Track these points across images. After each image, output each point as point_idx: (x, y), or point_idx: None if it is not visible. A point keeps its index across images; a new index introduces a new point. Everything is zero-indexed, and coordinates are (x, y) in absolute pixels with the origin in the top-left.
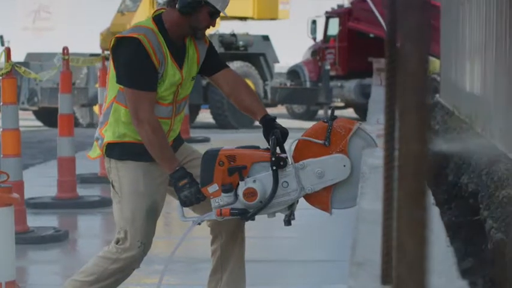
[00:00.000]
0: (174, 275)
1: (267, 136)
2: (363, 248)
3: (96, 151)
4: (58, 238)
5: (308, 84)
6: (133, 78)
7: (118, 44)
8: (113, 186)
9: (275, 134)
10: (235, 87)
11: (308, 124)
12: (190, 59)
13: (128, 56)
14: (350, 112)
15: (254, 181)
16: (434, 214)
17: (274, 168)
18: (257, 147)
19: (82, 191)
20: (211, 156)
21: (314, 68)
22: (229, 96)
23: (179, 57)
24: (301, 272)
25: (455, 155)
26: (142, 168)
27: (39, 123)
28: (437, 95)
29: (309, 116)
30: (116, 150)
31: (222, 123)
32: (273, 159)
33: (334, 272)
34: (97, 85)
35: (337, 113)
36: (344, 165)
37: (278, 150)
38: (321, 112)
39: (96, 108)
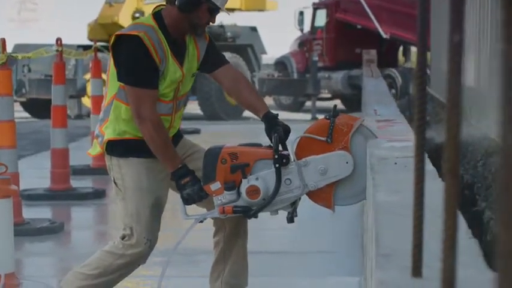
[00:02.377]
0: (173, 267)
1: (269, 133)
2: (387, 240)
3: (96, 148)
4: (53, 230)
5: (295, 76)
6: (134, 76)
7: (118, 42)
8: (115, 183)
9: (277, 131)
10: (236, 83)
11: (295, 115)
12: (191, 55)
13: (129, 54)
14: (337, 103)
15: (257, 179)
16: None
17: (277, 165)
18: (259, 145)
19: (74, 183)
20: (213, 154)
21: (301, 59)
22: (230, 93)
23: (180, 54)
24: (303, 263)
25: (440, 146)
26: (144, 165)
27: (26, 115)
28: None
29: (296, 107)
30: (117, 148)
31: (209, 114)
32: (276, 156)
33: (335, 263)
34: (85, 76)
35: (323, 104)
36: (347, 162)
37: (280, 147)
38: (308, 103)
39: (84, 100)
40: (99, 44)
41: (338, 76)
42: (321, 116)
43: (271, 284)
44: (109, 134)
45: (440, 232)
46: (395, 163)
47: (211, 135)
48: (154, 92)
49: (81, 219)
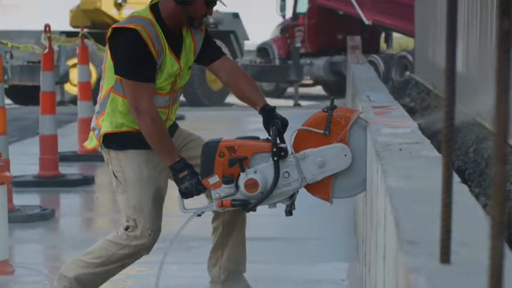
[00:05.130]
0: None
1: (267, 126)
2: (408, 226)
3: (93, 141)
4: (45, 217)
5: (277, 62)
6: (132, 70)
7: (115, 35)
8: (115, 176)
9: (275, 124)
10: (234, 76)
11: (277, 102)
12: (187, 48)
13: (127, 48)
14: (319, 89)
15: (255, 172)
16: (464, 191)
17: (275, 158)
18: (257, 138)
19: (61, 169)
20: (211, 148)
21: (283, 46)
22: (228, 86)
23: (177, 48)
24: (295, 249)
25: (439, 132)
26: (143, 156)
27: (8, 101)
28: (407, 73)
29: (278, 93)
30: (114, 141)
31: (192, 100)
32: (274, 149)
33: (327, 248)
34: (68, 62)
35: (305, 90)
36: (345, 155)
37: (278, 140)
38: (290, 90)
39: (67, 86)
40: (85, 30)
41: (320, 62)
42: (303, 103)
43: (263, 270)
44: (106, 127)
45: (461, 219)
46: (400, 149)
47: (197, 121)
48: (151, 85)
49: (71, 206)
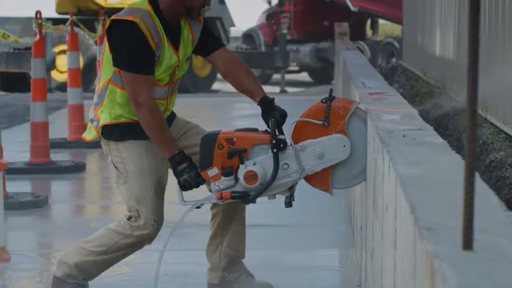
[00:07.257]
0: (161, 240)
1: (266, 118)
2: (424, 213)
3: (91, 132)
4: (38, 204)
5: (263, 48)
6: (131, 62)
7: (114, 27)
8: (115, 167)
9: (274, 116)
10: (232, 67)
11: (263, 88)
12: (186, 40)
13: (125, 40)
14: (305, 76)
15: (254, 164)
16: (477, 179)
17: (274, 150)
18: (256, 130)
19: (52, 156)
20: (210, 140)
21: (269, 32)
22: (226, 77)
23: (175, 39)
24: (289, 235)
25: (430, 119)
26: (143, 146)
27: None
28: (393, 59)
29: (264, 80)
30: (114, 132)
31: (178, 87)
32: (273, 141)
33: (321, 235)
34: (54, 49)
35: (291, 77)
36: (344, 146)
37: (277, 132)
38: (275, 76)
39: (53, 73)
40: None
41: (306, 49)
42: (290, 89)
43: (260, 256)
44: (105, 118)
45: (476, 205)
46: (404, 136)
47: (183, 108)
48: (150, 77)
49: (63, 193)
